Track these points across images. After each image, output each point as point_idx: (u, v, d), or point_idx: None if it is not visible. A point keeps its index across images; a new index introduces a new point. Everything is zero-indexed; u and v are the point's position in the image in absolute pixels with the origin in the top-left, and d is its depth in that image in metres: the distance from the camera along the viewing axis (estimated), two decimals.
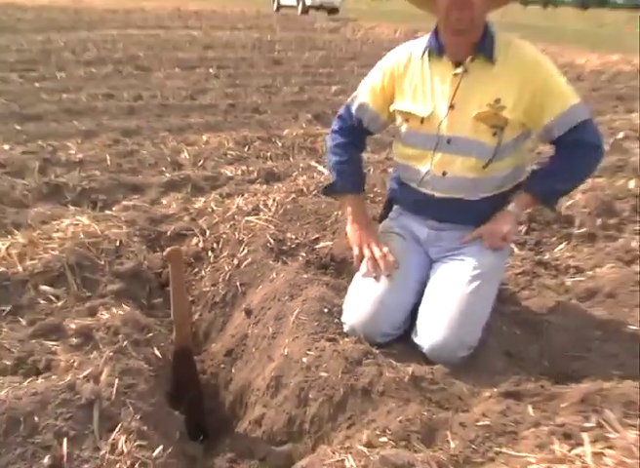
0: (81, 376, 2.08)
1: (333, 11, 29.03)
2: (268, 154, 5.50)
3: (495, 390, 2.16)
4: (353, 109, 2.75)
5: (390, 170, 3.77)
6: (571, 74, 11.33)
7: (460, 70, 2.46)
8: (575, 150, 2.47)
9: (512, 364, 2.38)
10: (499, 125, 2.43)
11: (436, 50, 2.52)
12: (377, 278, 2.52)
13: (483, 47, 2.45)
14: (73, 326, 2.48)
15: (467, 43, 2.45)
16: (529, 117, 2.46)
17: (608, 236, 3.82)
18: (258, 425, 2.26)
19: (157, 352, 2.52)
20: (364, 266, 2.59)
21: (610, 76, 11.49)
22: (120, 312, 2.62)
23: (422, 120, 2.53)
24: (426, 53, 2.54)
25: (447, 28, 2.45)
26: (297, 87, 8.79)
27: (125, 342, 2.41)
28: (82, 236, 3.07)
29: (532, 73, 2.43)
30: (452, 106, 2.47)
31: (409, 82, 2.58)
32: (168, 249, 2.30)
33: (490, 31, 2.47)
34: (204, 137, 5.82)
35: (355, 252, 2.67)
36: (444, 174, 2.52)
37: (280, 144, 5.73)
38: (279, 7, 30.29)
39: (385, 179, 3.80)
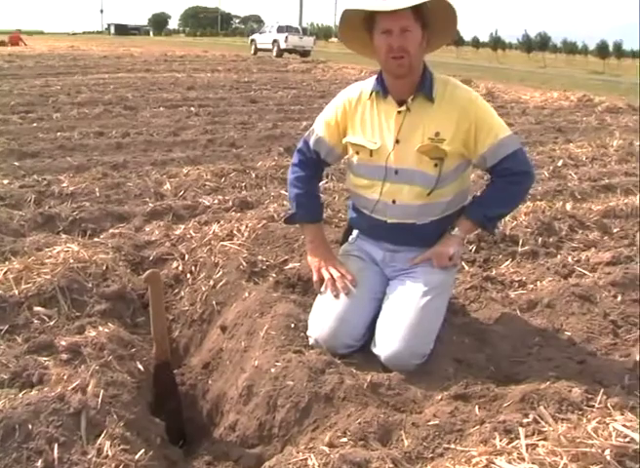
0: (70, 388, 2.07)
1: (305, 53, 29.41)
2: (243, 184, 5.47)
3: (445, 393, 2.19)
4: (311, 143, 2.75)
5: None
6: (517, 109, 11.53)
7: (403, 108, 2.51)
8: (507, 178, 2.52)
9: (461, 369, 2.40)
10: (439, 156, 2.47)
11: (381, 91, 2.56)
12: (337, 296, 2.54)
13: (423, 87, 2.50)
14: (63, 343, 2.47)
15: (408, 84, 2.50)
16: (466, 148, 2.51)
17: (548, 253, 3.88)
18: (232, 430, 2.26)
19: (140, 366, 2.52)
20: (325, 287, 2.60)
21: (551, 111, 11.64)
22: (106, 330, 2.61)
23: (372, 153, 2.55)
24: (373, 94, 2.58)
25: (388, 73, 2.51)
26: (270, 123, 8.74)
27: (110, 357, 2.41)
28: (72, 261, 3.06)
29: (466, 110, 2.48)
30: (397, 141, 2.51)
31: (359, 117, 2.61)
32: (147, 272, 2.32)
33: (428, 72, 2.53)
34: (184, 170, 5.77)
35: (314, 277, 2.68)
36: (394, 201, 2.55)
37: (254, 175, 5.69)
38: (256, 50, 30.55)
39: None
